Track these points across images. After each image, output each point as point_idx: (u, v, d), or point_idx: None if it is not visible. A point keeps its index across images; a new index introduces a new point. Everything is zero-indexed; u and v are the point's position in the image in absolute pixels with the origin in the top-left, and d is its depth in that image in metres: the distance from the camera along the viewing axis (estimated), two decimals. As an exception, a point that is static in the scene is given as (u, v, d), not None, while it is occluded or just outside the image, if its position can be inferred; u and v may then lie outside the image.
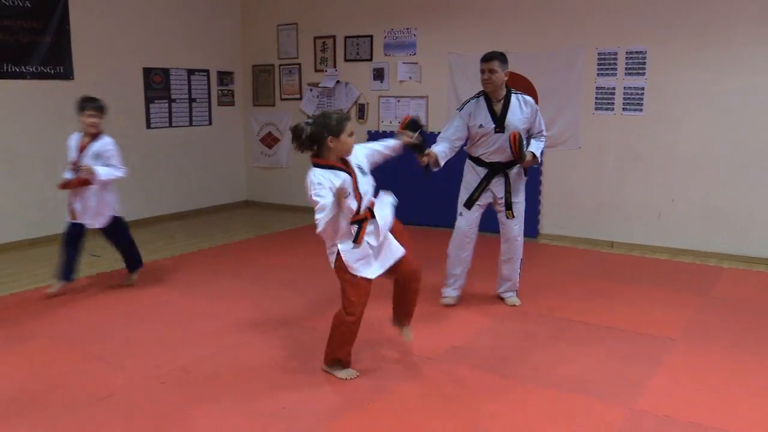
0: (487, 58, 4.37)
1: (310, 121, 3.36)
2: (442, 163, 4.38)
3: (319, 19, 8.13)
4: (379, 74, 7.79)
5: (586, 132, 6.62)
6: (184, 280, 5.39)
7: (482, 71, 4.38)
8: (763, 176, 5.87)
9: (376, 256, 3.41)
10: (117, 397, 3.34)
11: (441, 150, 4.38)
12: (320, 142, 3.29)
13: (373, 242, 3.37)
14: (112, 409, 3.23)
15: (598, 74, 6.48)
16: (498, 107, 4.42)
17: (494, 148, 4.46)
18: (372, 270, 3.40)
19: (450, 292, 4.74)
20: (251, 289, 5.15)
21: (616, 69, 6.38)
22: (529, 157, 4.42)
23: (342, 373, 3.55)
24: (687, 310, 4.65)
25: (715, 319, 4.49)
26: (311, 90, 8.32)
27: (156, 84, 7.76)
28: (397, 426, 3.06)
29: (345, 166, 3.35)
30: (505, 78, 4.40)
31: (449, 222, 4.83)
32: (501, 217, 4.62)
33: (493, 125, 4.40)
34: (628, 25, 6.27)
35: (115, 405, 3.27)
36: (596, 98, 6.52)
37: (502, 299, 4.83)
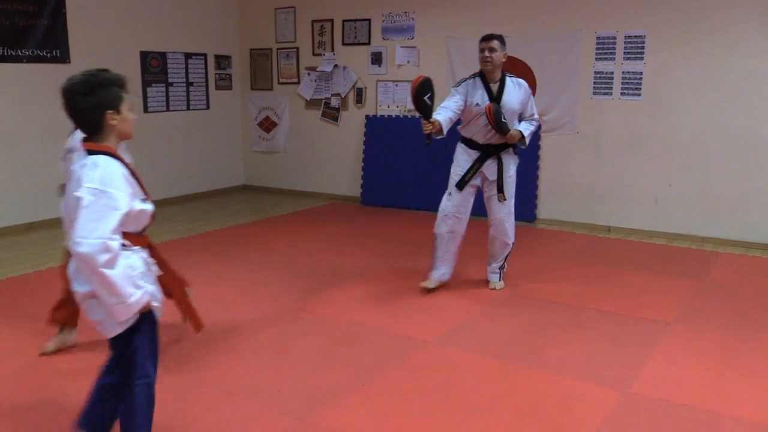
0: (488, 37, 4.46)
1: None
2: (445, 132, 4.38)
3: (316, 3, 8.08)
4: (377, 58, 7.75)
5: (583, 116, 6.61)
6: (181, 264, 5.36)
7: (482, 50, 4.45)
8: (761, 162, 5.87)
9: None
10: (115, 380, 3.36)
11: (444, 118, 4.35)
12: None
13: None
14: (109, 391, 3.24)
15: (596, 58, 6.46)
16: (494, 87, 4.48)
17: (488, 129, 4.46)
18: None
19: (432, 276, 4.70)
20: (249, 273, 5.16)
21: (614, 53, 6.36)
22: (515, 133, 4.44)
23: None
24: (683, 294, 4.67)
25: (711, 303, 4.51)
26: (309, 74, 8.29)
27: (153, 68, 7.73)
28: (392, 408, 3.09)
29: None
30: (504, 59, 4.48)
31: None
32: (489, 200, 4.63)
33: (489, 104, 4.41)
34: (627, 9, 6.24)
35: (113, 387, 3.28)
36: (594, 83, 6.51)
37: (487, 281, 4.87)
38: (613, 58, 6.38)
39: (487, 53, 4.42)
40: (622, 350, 3.73)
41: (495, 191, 4.56)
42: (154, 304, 2.37)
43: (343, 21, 7.92)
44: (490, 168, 4.56)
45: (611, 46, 6.36)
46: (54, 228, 6.66)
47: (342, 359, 3.62)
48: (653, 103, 6.26)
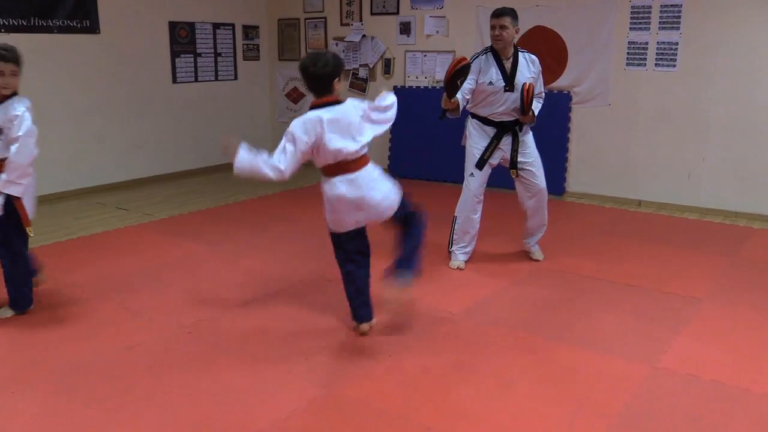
0: (498, 13, 4.27)
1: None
2: (460, 112, 4.31)
3: (345, -28, 8.00)
4: (405, 28, 7.66)
5: (616, 88, 6.48)
6: (211, 235, 5.45)
7: (492, 27, 4.29)
8: (798, 135, 5.72)
9: None
10: (144, 346, 3.42)
11: (460, 99, 4.25)
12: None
13: None
14: (139, 357, 3.30)
15: (630, 28, 6.30)
16: (507, 65, 4.35)
17: (503, 108, 4.37)
18: None
19: (461, 257, 4.65)
20: (278, 244, 5.19)
21: (649, 23, 6.20)
22: (532, 113, 4.37)
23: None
24: (714, 270, 4.60)
25: (743, 279, 4.43)
26: (337, 44, 8.23)
27: (181, 38, 7.73)
28: (419, 380, 3.10)
29: None
30: (516, 35, 4.33)
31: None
32: (521, 177, 4.52)
33: (504, 84, 4.32)
34: (664, -23, 6.08)
35: (143, 354, 3.34)
36: (628, 53, 6.36)
37: (528, 253, 4.83)
38: (648, 28, 6.22)
39: (497, 31, 4.25)
40: (652, 325, 3.69)
41: (523, 167, 4.47)
42: None
43: (372, -10, 7.83)
44: (506, 144, 4.46)
45: (646, 15, 6.20)
46: (85, 197, 6.76)
47: (369, 331, 3.63)
48: (688, 75, 6.10)
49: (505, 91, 4.33)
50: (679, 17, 6.04)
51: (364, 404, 2.89)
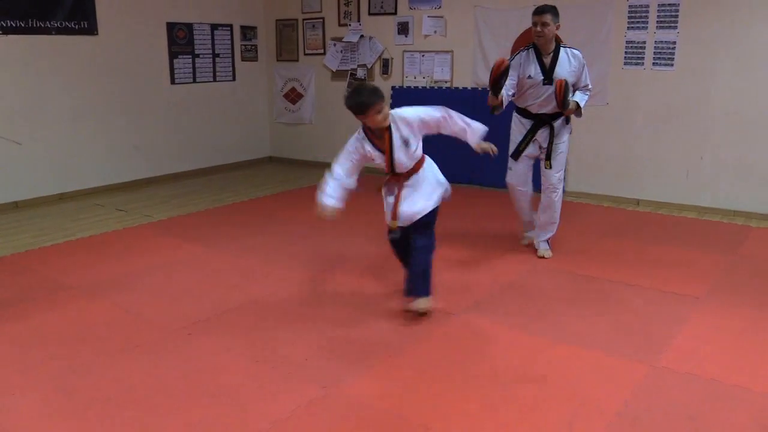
0: (540, 11, 4.48)
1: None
2: (504, 107, 4.51)
3: (342, -28, 8.00)
4: (403, 28, 7.67)
5: (614, 87, 6.49)
6: (209, 235, 5.45)
7: (534, 24, 4.50)
8: (796, 133, 5.73)
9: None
10: (144, 347, 3.42)
11: (504, 96, 4.50)
12: None
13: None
14: (139, 358, 3.30)
15: (628, 27, 6.31)
16: (547, 60, 4.56)
17: (541, 100, 4.58)
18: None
19: (525, 235, 5.07)
20: (275, 243, 5.19)
21: (647, 22, 6.21)
22: (572, 105, 4.54)
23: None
24: (713, 268, 4.60)
25: (742, 278, 4.44)
26: (335, 45, 8.23)
27: (180, 39, 7.73)
28: (419, 378, 3.10)
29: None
30: (556, 31, 4.52)
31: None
32: (542, 165, 4.73)
33: (542, 77, 4.53)
34: (661, -24, 6.08)
35: (142, 354, 3.34)
36: (626, 52, 6.36)
37: (535, 249, 4.93)
38: (646, 27, 6.22)
39: (539, 28, 4.47)
40: (651, 324, 3.69)
41: (545, 158, 4.69)
42: None
43: (370, -10, 7.83)
44: (542, 136, 4.67)
45: (644, 14, 6.21)
46: (84, 198, 6.76)
47: (369, 329, 3.64)
48: (686, 74, 6.11)
49: (544, 84, 4.53)
50: (677, 16, 6.05)
51: (364, 404, 2.89)
